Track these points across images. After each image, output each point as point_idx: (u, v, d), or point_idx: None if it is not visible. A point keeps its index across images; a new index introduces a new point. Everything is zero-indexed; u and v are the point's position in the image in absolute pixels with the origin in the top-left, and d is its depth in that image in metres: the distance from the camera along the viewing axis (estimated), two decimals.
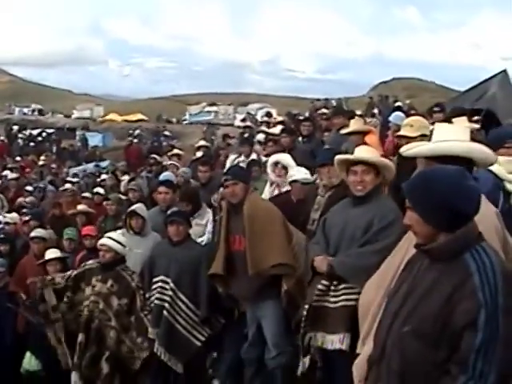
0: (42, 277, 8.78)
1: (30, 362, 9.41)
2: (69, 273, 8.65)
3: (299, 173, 8.63)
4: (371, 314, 4.85)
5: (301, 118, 18.06)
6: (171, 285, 8.01)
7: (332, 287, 6.09)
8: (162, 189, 10.00)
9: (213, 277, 7.59)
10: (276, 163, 9.44)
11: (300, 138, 13.10)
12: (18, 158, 29.28)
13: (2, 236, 12.31)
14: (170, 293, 8.00)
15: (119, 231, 8.86)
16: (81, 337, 8.19)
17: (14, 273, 10.70)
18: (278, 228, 7.16)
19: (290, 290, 6.99)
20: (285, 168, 9.34)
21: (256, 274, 7.06)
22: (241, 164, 12.01)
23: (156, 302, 8.09)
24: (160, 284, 8.12)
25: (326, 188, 7.48)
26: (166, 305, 7.98)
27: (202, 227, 9.37)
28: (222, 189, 8.60)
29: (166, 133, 36.07)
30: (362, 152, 6.30)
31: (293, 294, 6.97)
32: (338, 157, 6.49)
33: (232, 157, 13.60)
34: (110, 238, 8.31)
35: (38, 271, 9.60)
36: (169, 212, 8.51)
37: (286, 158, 9.52)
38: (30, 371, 9.43)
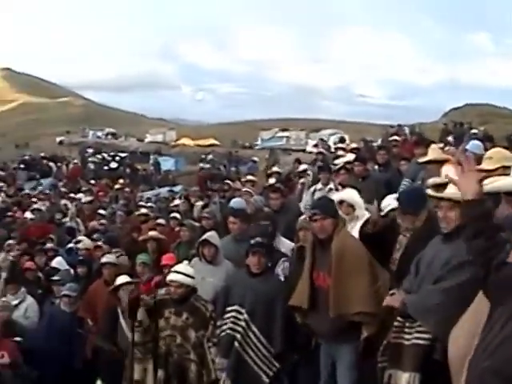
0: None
1: None
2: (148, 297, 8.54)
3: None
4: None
5: (375, 145, 17.84)
6: (245, 316, 7.81)
7: (407, 323, 5.88)
8: (231, 219, 9.94)
9: (293, 308, 7.40)
10: (341, 202, 9.12)
11: (376, 167, 12.87)
12: (92, 182, 29.68)
13: (80, 258, 12.41)
14: (243, 324, 7.80)
15: (186, 262, 8.72)
16: (160, 372, 8.07)
17: (84, 298, 10.68)
18: (364, 269, 6.88)
19: (370, 338, 6.74)
20: (351, 206, 9.03)
21: (337, 316, 6.83)
22: (319, 193, 11.87)
23: (228, 331, 7.89)
24: (234, 314, 7.92)
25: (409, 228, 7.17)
26: (238, 336, 7.79)
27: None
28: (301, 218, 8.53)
29: (255, 158, 35.69)
30: (450, 188, 6.04)
31: (372, 342, 6.71)
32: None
33: (311, 188, 13.38)
34: (178, 272, 8.17)
35: (108, 297, 9.58)
36: (252, 242, 8.24)
37: (351, 197, 9.18)
38: None
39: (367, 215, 8.59)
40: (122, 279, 9.41)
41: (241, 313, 7.86)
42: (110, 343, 9.23)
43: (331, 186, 12.45)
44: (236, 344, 7.77)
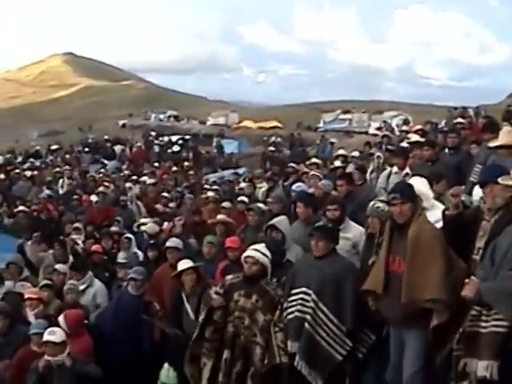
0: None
1: (167, 374, 9.23)
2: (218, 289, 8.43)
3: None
4: None
5: (445, 129, 17.45)
6: (313, 296, 7.70)
7: (484, 311, 5.86)
8: (298, 204, 9.95)
9: (366, 292, 7.32)
10: None
11: (446, 150, 12.54)
12: (156, 164, 29.77)
13: (151, 242, 12.40)
14: (312, 304, 7.69)
15: (263, 244, 8.58)
16: (226, 353, 7.98)
17: (150, 282, 10.63)
18: (440, 257, 6.74)
19: (440, 326, 6.61)
20: None
21: (408, 302, 6.71)
22: (394, 176, 11.65)
23: (297, 314, 7.80)
24: (301, 296, 7.82)
25: (491, 212, 6.87)
26: (308, 317, 7.68)
27: (349, 241, 9.00)
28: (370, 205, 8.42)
29: (332, 140, 35.18)
30: None
31: (442, 330, 6.61)
32: (500, 180, 6.31)
33: (386, 171, 13.12)
34: (255, 249, 8.05)
35: (173, 281, 9.52)
36: (314, 226, 8.16)
37: (417, 187, 8.86)
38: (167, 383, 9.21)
39: (438, 205, 8.34)
40: (184, 264, 9.33)
41: (308, 294, 7.76)
42: (175, 328, 9.15)
43: (407, 170, 12.16)
44: (306, 325, 7.68)
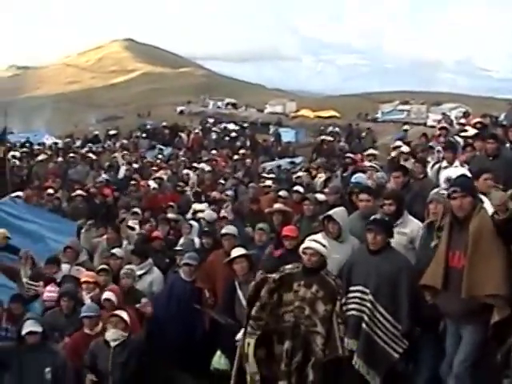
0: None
1: (219, 360, 9.26)
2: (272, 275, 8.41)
3: None
4: None
5: (505, 123, 17.11)
6: (370, 297, 7.72)
7: None
8: (363, 196, 9.69)
9: (424, 287, 7.30)
10: None
11: (507, 145, 12.31)
12: (213, 152, 29.82)
13: (206, 229, 12.47)
14: (369, 305, 7.72)
15: (320, 234, 8.52)
16: (287, 344, 7.94)
17: (201, 268, 10.63)
18: (501, 252, 6.70)
19: (501, 322, 6.55)
20: None
21: (469, 297, 6.63)
22: (444, 171, 11.48)
23: (353, 312, 7.83)
24: (358, 294, 7.84)
25: None
26: (365, 317, 7.72)
27: (405, 236, 8.84)
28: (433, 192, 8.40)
29: (406, 127, 34.39)
30: None
31: (503, 326, 6.57)
32: None
33: (436, 166, 12.94)
34: (314, 240, 7.99)
35: (226, 268, 9.53)
36: (371, 219, 8.08)
37: None
38: (219, 369, 9.23)
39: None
40: (237, 251, 9.33)
41: (366, 293, 7.77)
42: (226, 316, 9.15)
43: (456, 164, 11.98)
44: (364, 325, 7.72)
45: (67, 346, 8.95)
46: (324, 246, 7.96)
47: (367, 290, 7.72)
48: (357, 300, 7.81)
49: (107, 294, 9.48)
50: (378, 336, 7.64)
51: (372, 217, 8.23)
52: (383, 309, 7.63)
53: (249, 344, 8.17)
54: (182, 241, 12.97)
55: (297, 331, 7.94)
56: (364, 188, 10.29)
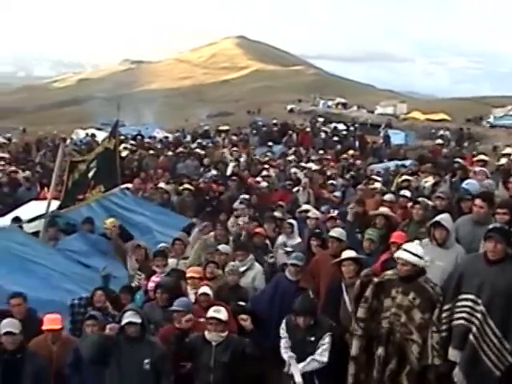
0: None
1: None
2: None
3: None
4: None
5: None
6: (482, 308, 7.43)
7: None
8: (478, 202, 9.35)
9: None
10: None
11: None
12: (322, 151, 29.71)
13: (316, 231, 12.38)
14: (479, 316, 7.43)
15: (417, 242, 8.38)
16: (380, 350, 7.88)
17: (307, 268, 10.57)
18: None
19: None
20: None
21: None
22: None
23: (462, 321, 7.56)
24: (469, 304, 7.55)
25: None
26: (474, 328, 7.45)
27: None
28: None
29: None
30: None
31: None
32: None
33: None
34: (406, 250, 7.89)
35: (333, 270, 9.49)
36: (490, 226, 7.82)
37: None
38: None
39: None
40: (347, 254, 9.26)
41: (477, 303, 7.49)
42: (330, 317, 9.07)
43: None
44: (471, 337, 7.45)
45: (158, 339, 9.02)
46: (416, 255, 7.84)
47: (479, 301, 7.45)
48: (467, 309, 7.55)
49: (204, 289, 9.55)
50: (483, 350, 7.37)
51: (491, 225, 7.95)
52: (494, 323, 7.34)
53: (360, 348, 8.13)
54: (281, 239, 12.97)
55: (391, 338, 7.84)
56: (480, 193, 9.98)
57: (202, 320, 8.78)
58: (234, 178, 20.20)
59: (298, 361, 8.38)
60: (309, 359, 8.32)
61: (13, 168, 23.36)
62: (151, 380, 8.20)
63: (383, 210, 12.62)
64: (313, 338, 8.37)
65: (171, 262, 11.70)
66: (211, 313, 8.49)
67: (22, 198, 18.71)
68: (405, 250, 7.92)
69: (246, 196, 17.18)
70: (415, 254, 7.84)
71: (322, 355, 8.27)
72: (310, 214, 13.66)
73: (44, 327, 8.81)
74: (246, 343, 8.58)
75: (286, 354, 8.54)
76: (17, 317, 8.91)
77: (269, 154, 28.26)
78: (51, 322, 8.85)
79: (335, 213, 13.91)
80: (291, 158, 26.38)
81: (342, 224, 12.50)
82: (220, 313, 8.50)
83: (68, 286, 11.51)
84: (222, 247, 11.76)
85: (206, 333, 8.48)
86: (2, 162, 25.45)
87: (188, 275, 10.44)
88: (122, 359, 8.17)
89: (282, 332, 8.68)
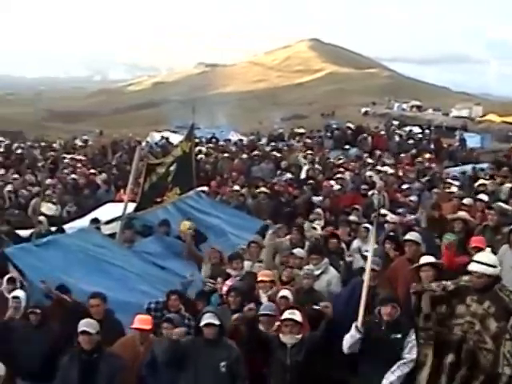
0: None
1: None
2: (444, 283, 8.24)
3: None
4: None
5: None
6: None
7: None
8: None
9: None
10: None
11: None
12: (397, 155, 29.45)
13: (390, 234, 12.33)
14: None
15: (488, 250, 8.30)
16: (451, 357, 7.79)
17: (384, 274, 10.51)
18: None
19: None
20: None
21: None
22: None
23: None
24: None
25: None
26: None
27: None
28: None
29: None
30: None
31: None
32: None
33: None
34: (479, 262, 7.79)
35: (408, 275, 9.38)
36: None
37: None
38: None
39: None
40: (426, 259, 9.18)
41: None
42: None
43: None
44: None
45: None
46: (490, 265, 7.73)
47: None
48: None
49: (284, 292, 9.55)
50: None
51: None
52: None
53: (426, 355, 8.05)
54: (356, 243, 12.94)
55: (464, 346, 7.75)
56: None
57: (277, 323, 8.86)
58: (310, 181, 20.21)
59: (384, 360, 8.17)
60: (399, 365, 8.07)
61: (92, 170, 23.86)
62: (227, 383, 8.27)
63: (461, 214, 12.48)
64: (399, 335, 8.16)
65: (246, 264, 11.76)
66: (286, 314, 8.54)
67: (100, 199, 19.11)
68: (478, 262, 7.80)
69: (319, 199, 17.18)
70: (489, 264, 7.75)
71: (411, 353, 8.05)
72: (388, 218, 13.58)
73: (133, 326, 8.96)
74: (319, 336, 8.62)
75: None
76: (95, 317, 9.02)
77: (342, 156, 28.13)
78: (142, 322, 8.98)
79: (411, 218, 13.77)
80: (368, 160, 26.24)
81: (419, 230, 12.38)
82: (295, 314, 8.54)
83: (143, 287, 11.70)
84: (297, 251, 11.76)
85: (281, 335, 8.52)
86: (79, 165, 26.03)
87: (259, 278, 10.50)
88: (199, 361, 8.25)
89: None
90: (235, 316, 9.05)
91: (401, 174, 22.70)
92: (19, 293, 10.06)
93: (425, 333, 8.08)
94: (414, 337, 8.11)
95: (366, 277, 8.54)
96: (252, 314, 8.94)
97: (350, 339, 8.18)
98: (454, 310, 7.97)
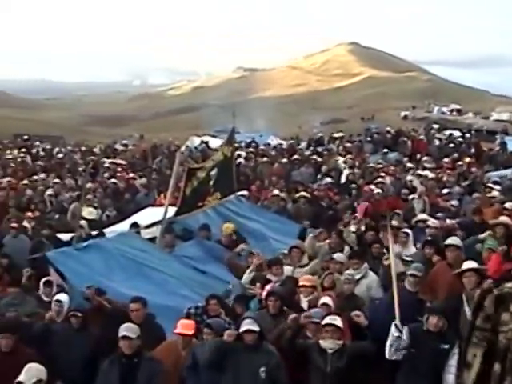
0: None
1: None
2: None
3: None
4: None
5: None
6: None
7: None
8: None
9: None
10: None
11: None
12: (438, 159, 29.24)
13: (430, 239, 12.23)
14: None
15: None
16: (497, 366, 7.65)
17: (426, 280, 10.43)
18: None
19: None
20: None
21: None
22: None
23: None
24: None
25: None
26: None
27: None
28: None
29: None
30: None
31: None
32: None
33: None
34: None
35: (449, 280, 9.36)
36: None
37: None
38: None
39: None
40: (468, 264, 9.10)
41: None
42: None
43: None
44: None
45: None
46: None
47: None
48: None
49: (325, 299, 9.50)
50: None
51: None
52: None
53: (475, 355, 7.94)
54: (395, 248, 12.83)
55: (509, 355, 7.63)
56: None
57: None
58: (353, 185, 20.18)
59: (432, 371, 8.18)
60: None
61: (131, 175, 24.01)
62: None
63: (503, 219, 12.34)
64: (447, 346, 8.14)
65: (286, 269, 11.75)
66: (327, 320, 8.51)
67: (140, 204, 19.19)
68: None
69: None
70: None
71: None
72: (429, 223, 13.48)
73: (176, 331, 8.94)
74: (364, 344, 8.57)
75: None
76: (135, 321, 9.04)
77: (381, 160, 27.99)
78: (185, 327, 8.98)
79: (454, 222, 13.66)
80: (409, 165, 26.09)
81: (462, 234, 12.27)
82: (336, 320, 8.51)
83: (183, 291, 11.69)
84: (337, 256, 11.75)
85: (321, 341, 8.49)
86: (120, 169, 26.20)
87: (300, 283, 10.50)
88: (239, 366, 8.23)
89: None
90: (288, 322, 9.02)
91: (444, 178, 22.51)
92: (62, 296, 10.08)
93: (480, 333, 7.96)
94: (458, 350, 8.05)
95: (393, 278, 8.49)
96: (296, 324, 8.91)
97: (392, 339, 8.16)
98: (499, 317, 7.86)
